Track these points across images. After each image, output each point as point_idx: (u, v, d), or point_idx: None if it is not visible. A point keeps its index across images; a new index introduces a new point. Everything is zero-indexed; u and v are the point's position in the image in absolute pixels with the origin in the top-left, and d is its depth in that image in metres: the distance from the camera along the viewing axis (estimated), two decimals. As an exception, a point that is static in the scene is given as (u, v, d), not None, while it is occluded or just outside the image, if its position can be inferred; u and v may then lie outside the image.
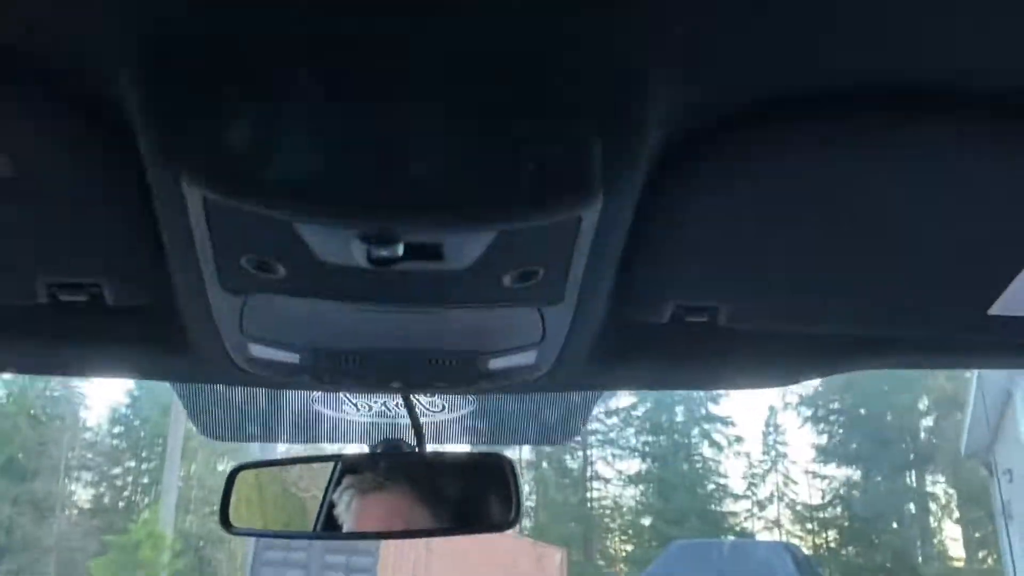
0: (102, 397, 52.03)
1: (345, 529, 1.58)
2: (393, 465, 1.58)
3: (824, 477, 35.70)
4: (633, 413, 38.62)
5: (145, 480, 33.16)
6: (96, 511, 31.66)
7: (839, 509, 35.51)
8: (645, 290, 0.99)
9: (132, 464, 33.83)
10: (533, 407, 1.74)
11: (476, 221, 0.71)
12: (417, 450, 1.57)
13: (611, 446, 39.07)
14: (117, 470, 33.42)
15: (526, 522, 37.21)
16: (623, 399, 38.20)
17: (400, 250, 0.71)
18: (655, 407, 38.05)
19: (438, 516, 1.63)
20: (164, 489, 25.13)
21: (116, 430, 33.93)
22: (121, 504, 32.59)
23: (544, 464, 38.04)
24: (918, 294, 1.04)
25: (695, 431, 37.85)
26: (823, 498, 36.20)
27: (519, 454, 28.63)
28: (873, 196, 0.84)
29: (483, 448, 1.88)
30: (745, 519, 37.06)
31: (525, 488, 38.01)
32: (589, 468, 38.89)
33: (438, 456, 1.68)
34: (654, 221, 0.83)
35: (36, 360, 1.20)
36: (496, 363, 1.07)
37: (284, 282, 0.80)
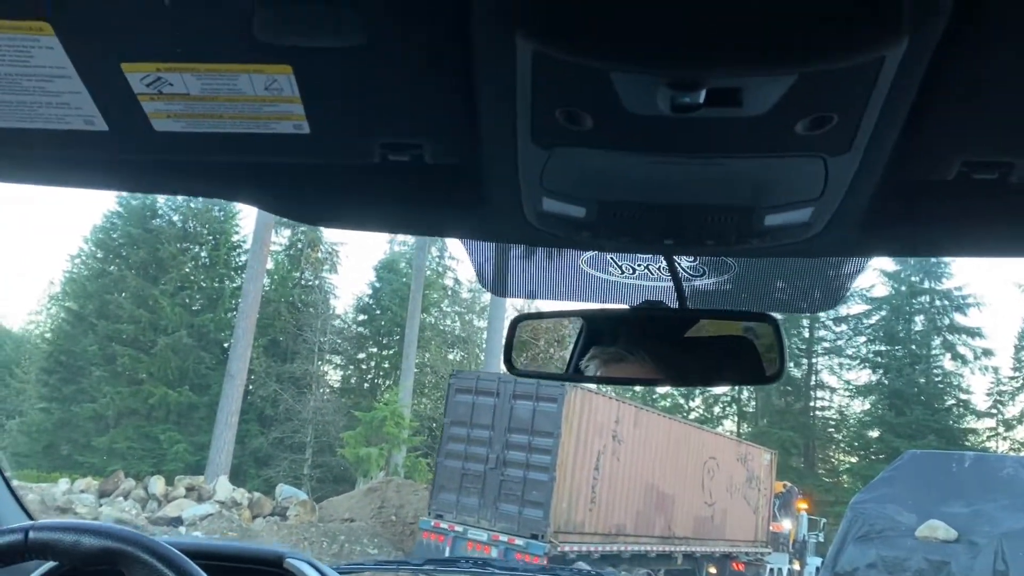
0: (348, 288, 57.05)
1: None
2: (646, 327, 1.67)
3: (1086, 398, 32.31)
4: (865, 321, 36.53)
5: (386, 365, 36.19)
6: (344, 390, 35.13)
7: (1103, 434, 32.11)
8: (932, 143, 0.96)
9: (374, 350, 36.99)
10: (793, 272, 1.75)
11: (779, 63, 0.73)
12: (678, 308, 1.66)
13: (838, 355, 37.40)
14: (362, 355, 36.69)
15: (744, 427, 36.84)
16: (854, 306, 36.20)
17: (702, 97, 0.76)
18: (891, 315, 35.73)
19: (695, 369, 1.73)
20: (402, 374, 27.33)
21: (360, 318, 37.06)
22: (365, 385, 35.90)
23: (766, 371, 37.17)
24: None
25: (936, 342, 35.23)
26: (1083, 420, 32.86)
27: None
28: None
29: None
30: (988, 438, 34.41)
31: (744, 395, 37.43)
32: (814, 377, 37.54)
33: (701, 311, 1.75)
34: (951, 68, 0.81)
35: (361, 216, 1.35)
36: (771, 219, 1.09)
37: (590, 133, 0.88)
